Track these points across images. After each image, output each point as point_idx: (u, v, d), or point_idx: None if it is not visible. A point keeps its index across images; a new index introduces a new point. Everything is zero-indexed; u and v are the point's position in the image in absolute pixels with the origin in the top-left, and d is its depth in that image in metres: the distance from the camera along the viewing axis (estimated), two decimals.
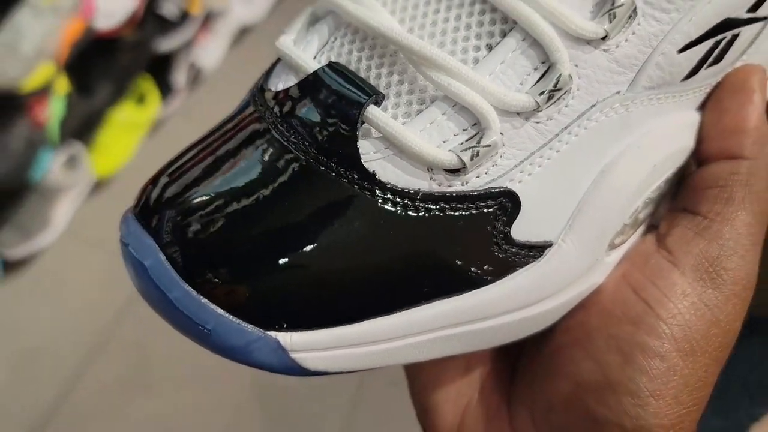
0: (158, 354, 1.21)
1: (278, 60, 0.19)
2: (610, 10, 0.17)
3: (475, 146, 0.17)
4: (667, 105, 0.20)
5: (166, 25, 1.46)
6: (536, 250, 0.18)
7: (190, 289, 0.16)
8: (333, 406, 1.25)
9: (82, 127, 1.29)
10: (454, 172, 0.17)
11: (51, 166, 1.23)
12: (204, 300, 0.16)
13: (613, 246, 0.20)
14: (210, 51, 1.76)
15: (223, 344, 0.17)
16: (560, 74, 0.17)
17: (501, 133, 0.17)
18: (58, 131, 1.19)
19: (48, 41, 1.01)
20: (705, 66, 0.20)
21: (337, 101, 0.17)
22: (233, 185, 0.16)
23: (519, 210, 0.18)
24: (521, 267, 0.18)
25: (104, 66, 1.34)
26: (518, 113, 0.17)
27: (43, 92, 1.09)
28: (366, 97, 0.16)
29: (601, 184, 0.19)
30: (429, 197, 0.17)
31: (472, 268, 0.18)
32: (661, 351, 0.18)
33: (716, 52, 0.20)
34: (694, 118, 0.21)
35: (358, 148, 0.17)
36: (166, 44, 1.46)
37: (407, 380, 0.24)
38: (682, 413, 0.18)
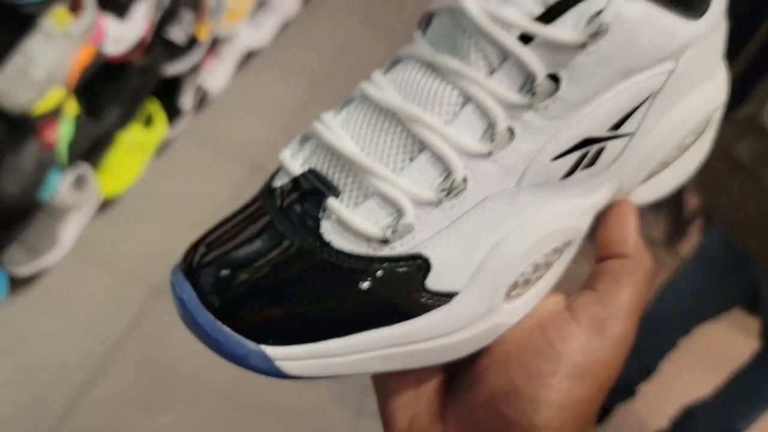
0: (161, 372, 1.23)
1: (279, 168, 0.27)
2: (492, 134, 0.25)
3: (395, 226, 0.25)
4: (549, 196, 0.27)
5: (174, 50, 1.50)
6: (446, 297, 0.26)
7: (210, 315, 0.24)
8: (338, 420, 1.27)
9: (90, 148, 1.32)
10: (383, 242, 0.25)
11: (59, 186, 1.26)
12: (219, 323, 0.24)
13: (510, 297, 0.28)
14: (216, 74, 1.80)
15: (230, 353, 0.24)
16: (455, 179, 0.25)
17: (417, 217, 0.25)
18: (67, 153, 1.22)
19: (59, 66, 1.05)
20: (579, 169, 0.28)
21: (309, 195, 0.25)
22: (244, 257, 0.25)
23: (431, 269, 0.25)
24: (435, 308, 0.26)
25: (113, 89, 1.38)
26: (428, 203, 0.25)
27: (53, 115, 1.12)
28: (328, 191, 0.25)
29: (495, 252, 0.26)
30: (368, 258, 0.25)
31: (400, 307, 0.25)
32: (556, 374, 0.26)
33: (586, 159, 0.27)
34: (574, 204, 0.29)
35: (320, 229, 0.25)
36: (173, 68, 1.50)
37: (375, 393, 0.31)
38: (567, 421, 0.25)
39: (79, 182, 1.35)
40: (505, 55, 0.25)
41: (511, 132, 0.25)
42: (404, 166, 0.25)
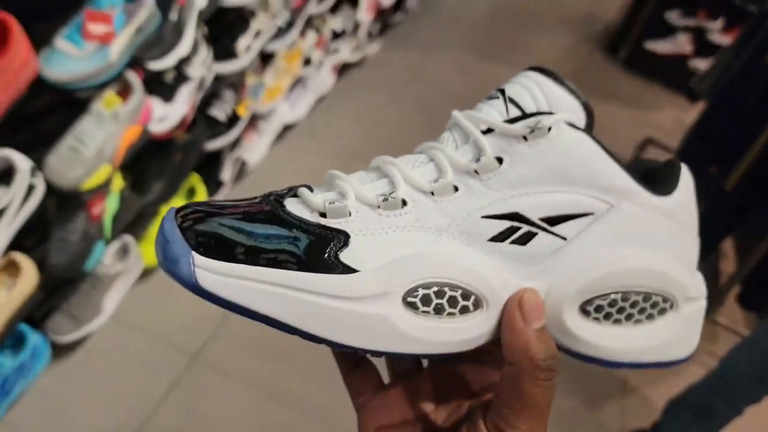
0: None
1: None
2: (437, 181, 0.33)
3: (336, 205, 0.31)
4: (474, 247, 0.33)
5: (216, 127, 1.58)
6: (350, 270, 0.31)
7: (174, 222, 0.30)
8: None
9: (134, 220, 1.39)
10: (322, 215, 0.31)
11: (103, 257, 1.32)
12: (176, 229, 0.29)
13: (407, 302, 0.32)
14: (255, 148, 1.88)
15: (168, 253, 0.29)
16: (395, 194, 0.32)
17: (356, 210, 0.32)
18: (112, 225, 1.28)
19: (107, 146, 1.12)
20: (509, 241, 0.33)
21: (293, 190, 0.33)
22: (223, 203, 0.32)
23: (348, 245, 0.31)
24: (337, 272, 0.30)
25: (157, 165, 1.45)
26: (368, 203, 0.32)
27: (101, 190, 1.19)
28: (304, 186, 0.33)
29: (406, 258, 0.32)
30: (305, 220, 0.31)
31: (312, 260, 0.30)
32: None
33: (517, 235, 0.33)
34: (496, 264, 0.33)
35: (284, 201, 0.32)
36: (214, 144, 1.58)
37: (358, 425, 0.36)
38: None
39: (123, 253, 1.41)
40: (467, 139, 0.34)
41: (455, 188, 0.33)
42: (367, 182, 0.33)
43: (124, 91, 1.16)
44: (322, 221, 0.31)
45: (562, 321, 0.35)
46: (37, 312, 1.28)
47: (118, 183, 1.28)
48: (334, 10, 2.07)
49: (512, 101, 0.34)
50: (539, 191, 0.33)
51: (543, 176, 0.33)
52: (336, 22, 2.10)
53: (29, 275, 1.09)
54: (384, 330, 0.31)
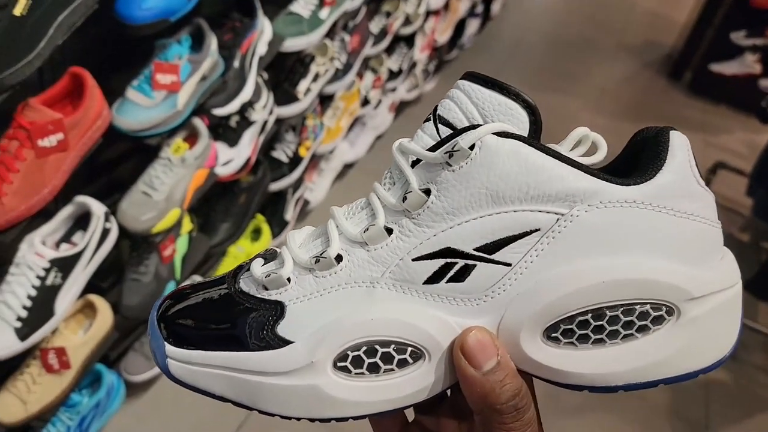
0: None
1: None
2: (367, 229, 0.32)
3: (273, 277, 0.32)
4: (410, 297, 0.32)
5: (279, 168, 1.62)
6: (285, 342, 0.31)
7: (155, 317, 0.33)
8: None
9: (202, 261, 1.43)
10: (264, 288, 0.33)
11: None
12: (155, 321, 0.33)
13: (338, 369, 0.32)
14: (317, 187, 1.91)
15: (153, 343, 0.33)
16: (328, 253, 0.32)
17: (295, 276, 0.32)
18: (181, 266, 1.32)
19: (176, 189, 1.17)
20: (445, 280, 0.31)
21: (248, 263, 0.35)
22: (191, 292, 0.35)
23: (283, 317, 0.32)
24: (272, 348, 0.31)
25: (224, 207, 1.50)
26: (303, 267, 0.32)
27: (171, 232, 1.24)
28: (261, 255, 0.35)
29: (335, 320, 0.31)
30: (250, 296, 0.33)
31: (250, 339, 0.31)
32: None
33: (452, 272, 0.31)
34: (432, 313, 0.31)
35: (240, 276, 0.34)
36: (278, 185, 1.62)
37: None
38: None
39: None
40: (401, 174, 0.32)
41: (389, 231, 0.32)
42: (307, 243, 0.34)
43: (191, 137, 1.21)
44: (264, 295, 0.32)
45: (525, 354, 0.31)
46: (111, 352, 1.33)
47: (187, 225, 1.32)
48: (390, 50, 2.12)
49: (442, 120, 0.31)
50: (471, 219, 0.30)
51: (472, 201, 0.30)
52: (392, 62, 2.14)
53: (105, 316, 1.13)
54: (318, 399, 0.31)
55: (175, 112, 1.07)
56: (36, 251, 0.95)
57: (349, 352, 0.31)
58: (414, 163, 0.31)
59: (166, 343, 0.32)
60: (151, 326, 0.33)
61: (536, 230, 0.30)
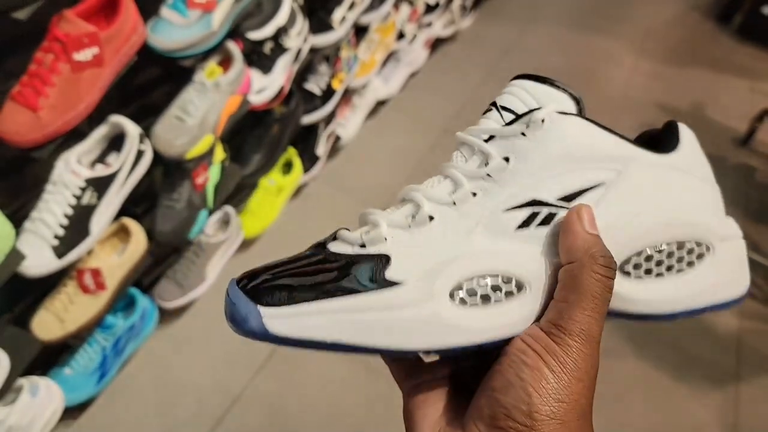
0: (290, 407, 1.26)
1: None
2: (455, 190, 0.35)
3: (372, 234, 0.35)
4: (504, 241, 0.35)
5: (311, 101, 1.59)
6: (398, 283, 0.33)
7: (238, 289, 0.33)
8: None
9: (234, 192, 1.42)
10: (362, 246, 0.34)
11: (206, 226, 1.37)
12: (240, 293, 0.33)
13: (453, 298, 0.34)
14: (349, 123, 1.88)
15: (237, 314, 0.33)
16: (421, 212, 0.35)
17: (390, 235, 0.35)
18: (214, 195, 1.32)
19: (210, 115, 1.15)
20: (535, 224, 0.35)
21: (335, 235, 0.36)
22: (277, 262, 0.35)
23: (390, 263, 0.34)
24: (388, 288, 0.33)
25: (256, 137, 1.48)
26: (399, 226, 0.35)
27: (204, 160, 1.23)
28: (343, 228, 0.36)
29: (444, 260, 0.34)
30: (348, 254, 0.34)
31: (362, 284, 0.33)
32: (538, 372, 0.31)
33: (539, 218, 0.35)
34: (529, 251, 0.35)
35: (327, 244, 0.36)
36: (310, 118, 1.59)
37: (403, 403, 0.38)
38: (554, 408, 0.30)
39: (224, 223, 1.45)
40: (473, 150, 0.37)
41: (473, 194, 0.35)
42: (394, 211, 0.36)
43: (225, 62, 1.19)
44: (363, 251, 0.34)
45: None
46: (145, 279, 1.34)
47: (220, 154, 1.31)
48: None
49: (504, 108, 0.37)
50: (549, 176, 0.35)
51: (549, 162, 0.35)
52: None
53: (139, 239, 1.13)
54: (439, 327, 0.33)
55: (209, 33, 1.04)
56: (72, 170, 0.95)
57: (463, 283, 0.34)
58: (486, 140, 0.36)
59: (259, 305, 0.32)
60: (233, 297, 0.33)
61: (602, 183, 0.35)
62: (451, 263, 0.34)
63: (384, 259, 0.34)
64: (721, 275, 0.38)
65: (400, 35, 1.94)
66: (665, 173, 0.37)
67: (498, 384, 0.32)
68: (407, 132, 2.01)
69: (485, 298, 0.34)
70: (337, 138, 1.82)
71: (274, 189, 1.58)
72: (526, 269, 0.35)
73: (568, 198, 0.35)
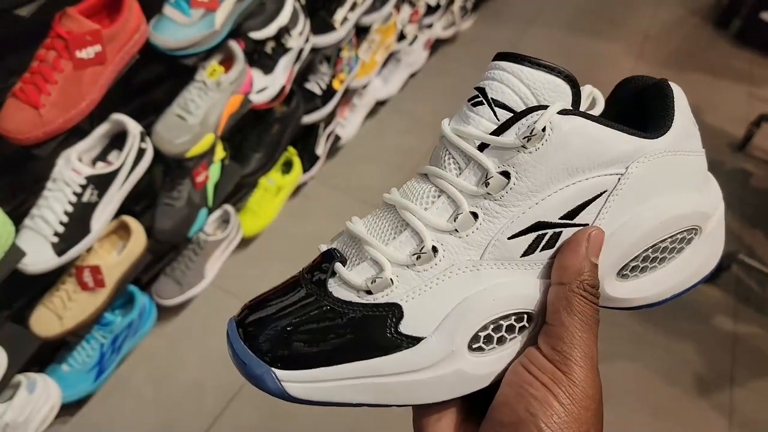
0: (287, 405, 1.26)
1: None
2: (456, 216, 0.33)
3: (378, 281, 0.33)
4: (511, 270, 0.34)
5: (312, 101, 1.59)
6: (415, 340, 0.33)
7: (243, 344, 0.33)
8: None
9: (234, 190, 1.42)
10: (368, 293, 0.33)
11: (206, 224, 1.37)
12: (248, 350, 0.32)
13: (473, 350, 0.33)
14: (348, 123, 1.89)
15: (251, 373, 0.32)
16: (424, 246, 0.33)
17: (396, 276, 0.33)
18: (214, 194, 1.32)
19: (211, 114, 1.15)
20: (539, 249, 0.34)
21: (326, 262, 0.34)
22: (272, 305, 0.34)
23: (403, 316, 0.32)
24: (405, 348, 0.32)
25: (256, 136, 1.48)
26: (403, 265, 0.33)
27: (204, 158, 1.23)
28: (338, 259, 0.34)
29: (458, 308, 0.33)
30: (355, 304, 0.33)
31: (377, 344, 0.32)
32: (548, 406, 0.30)
33: (545, 241, 0.34)
34: (531, 280, 0.34)
35: (327, 285, 0.34)
36: (311, 117, 1.59)
37: (413, 420, 0.37)
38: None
39: (223, 221, 1.45)
40: (468, 159, 0.33)
41: (474, 215, 0.33)
42: (391, 239, 0.34)
43: (227, 61, 1.19)
44: (370, 299, 0.33)
45: (605, 293, 0.36)
46: (144, 276, 1.34)
47: (220, 153, 1.31)
48: None
49: (497, 103, 0.33)
50: (552, 192, 0.33)
51: (551, 177, 0.33)
52: None
53: (139, 237, 1.14)
54: (463, 380, 0.34)
55: (212, 32, 1.04)
56: (73, 167, 0.95)
57: (480, 333, 0.33)
58: (480, 147, 0.33)
59: (273, 368, 0.32)
60: (240, 354, 0.33)
61: (604, 192, 0.34)
62: (466, 312, 0.33)
63: (396, 311, 0.33)
64: (705, 253, 0.38)
65: (401, 36, 1.94)
66: (664, 162, 0.35)
67: (507, 419, 0.31)
68: (406, 133, 2.01)
69: (501, 340, 0.34)
70: (337, 138, 1.83)
71: (274, 188, 1.58)
72: (534, 299, 0.34)
73: (572, 214, 0.34)
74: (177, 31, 1.01)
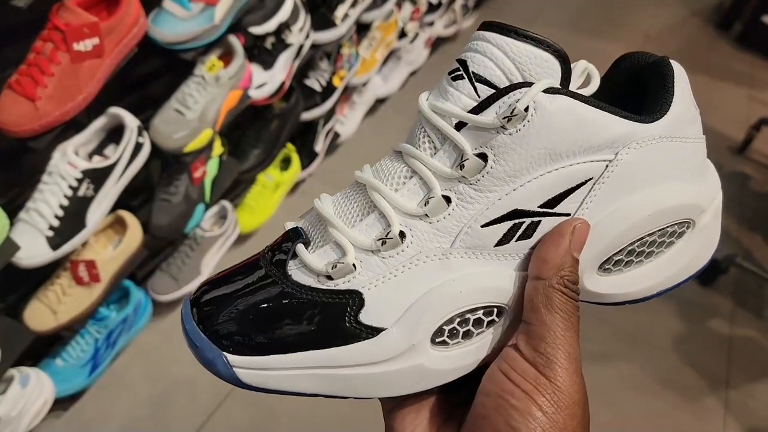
0: (280, 404, 1.26)
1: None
2: (427, 201, 0.30)
3: (339, 266, 0.30)
4: (484, 260, 0.31)
5: (311, 97, 1.59)
6: (375, 330, 0.30)
7: (195, 324, 0.31)
8: None
9: (231, 186, 1.41)
10: (329, 278, 0.31)
11: (203, 220, 1.36)
12: (199, 331, 0.31)
13: (436, 344, 0.31)
14: (348, 120, 1.88)
15: (203, 356, 0.30)
16: (390, 231, 0.30)
17: (359, 261, 0.31)
18: (211, 190, 1.31)
19: (209, 109, 1.14)
20: (515, 239, 0.31)
21: (288, 242, 0.32)
22: (228, 284, 0.32)
23: (364, 305, 0.30)
24: (363, 339, 0.30)
25: (255, 132, 1.47)
26: (368, 250, 0.31)
27: (202, 154, 1.22)
28: (300, 240, 0.32)
29: (423, 299, 0.31)
30: (314, 289, 0.31)
31: (334, 334, 0.30)
32: (530, 418, 0.28)
33: (521, 231, 0.31)
34: (508, 272, 0.32)
35: (287, 267, 0.31)
36: (310, 114, 1.58)
37: (385, 421, 0.35)
38: None
39: (220, 218, 1.44)
40: (444, 138, 0.31)
41: (447, 199, 0.30)
42: (357, 221, 0.32)
43: (226, 56, 1.18)
44: (330, 285, 0.31)
45: (584, 287, 0.34)
46: (139, 271, 1.33)
47: (218, 148, 1.30)
48: None
49: (479, 78, 0.30)
50: (532, 178, 0.30)
51: (532, 162, 0.30)
52: None
53: (135, 232, 1.13)
54: (422, 375, 0.32)
55: (211, 26, 1.04)
56: (69, 161, 0.94)
57: (444, 326, 0.31)
58: (458, 125, 0.30)
59: (225, 353, 0.30)
60: (193, 336, 0.30)
61: (590, 179, 0.31)
62: (429, 305, 0.31)
63: (357, 299, 0.30)
64: (697, 248, 0.36)
65: (402, 34, 1.93)
66: (658, 148, 0.32)
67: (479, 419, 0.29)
68: (405, 131, 1.99)
69: (467, 334, 0.32)
70: (336, 135, 1.82)
71: (272, 185, 1.57)
72: (506, 292, 0.32)
73: (552, 202, 0.31)
74: (176, 24, 1.00)
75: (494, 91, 0.30)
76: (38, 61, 0.82)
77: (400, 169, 0.32)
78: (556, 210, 0.31)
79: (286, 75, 1.35)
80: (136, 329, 1.28)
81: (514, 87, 0.29)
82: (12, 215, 0.91)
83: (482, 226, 0.31)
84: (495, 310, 0.32)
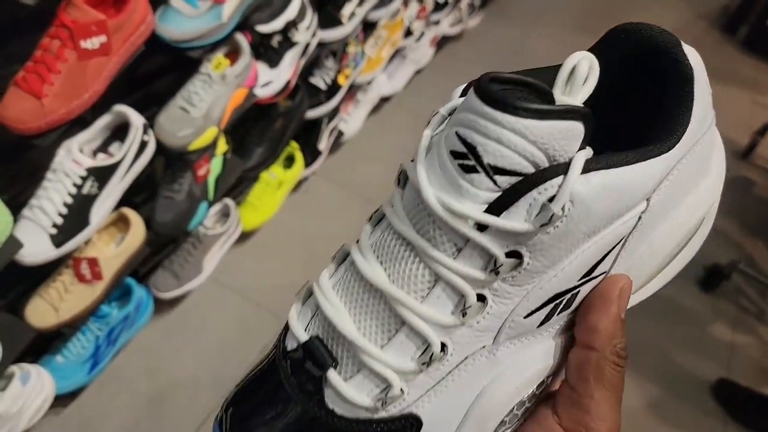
0: None
1: (287, 327, 0.31)
2: (463, 308, 0.27)
3: (385, 398, 0.28)
4: (528, 343, 0.30)
5: (316, 95, 1.58)
6: None
7: None
8: None
9: (235, 184, 1.41)
10: (378, 407, 0.28)
11: (206, 218, 1.35)
12: None
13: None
14: (352, 119, 1.87)
15: None
16: (433, 351, 0.27)
17: (404, 383, 0.28)
18: (215, 188, 1.31)
19: (215, 107, 1.14)
20: (556, 314, 0.29)
21: (313, 362, 0.28)
22: (259, 419, 0.29)
23: (422, 426, 0.28)
24: None
25: (259, 131, 1.46)
26: (411, 372, 0.28)
27: (206, 152, 1.21)
28: (328, 361, 0.28)
29: (480, 399, 0.29)
30: (366, 422, 0.28)
31: None
32: None
33: (562, 306, 0.29)
34: (549, 345, 0.30)
35: (324, 398, 0.28)
36: (314, 112, 1.58)
37: None
38: None
39: (223, 215, 1.44)
40: (466, 239, 0.26)
41: (483, 299, 0.27)
42: (386, 339, 0.28)
43: (233, 54, 1.17)
44: (384, 415, 0.28)
45: None
46: (141, 268, 1.33)
47: (222, 146, 1.30)
48: None
49: (496, 170, 0.25)
50: (569, 263, 0.28)
51: (571, 248, 0.27)
52: None
53: (138, 230, 1.12)
54: None
55: (219, 25, 1.03)
56: (73, 158, 0.93)
57: (506, 419, 0.30)
58: (481, 227, 0.26)
59: None
60: None
61: (622, 238, 0.29)
62: (491, 406, 0.29)
63: (414, 422, 0.28)
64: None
65: (408, 32, 1.92)
66: (677, 176, 0.30)
67: None
68: (409, 130, 2.00)
69: (525, 412, 0.31)
70: (340, 133, 1.81)
71: (275, 183, 1.57)
72: (553, 365, 0.31)
73: (590, 272, 0.29)
74: (183, 22, 0.99)
75: (517, 179, 0.25)
76: (45, 59, 0.82)
77: (420, 272, 0.27)
78: (594, 275, 0.29)
79: (292, 73, 1.34)
80: (138, 327, 1.28)
81: (542, 177, 0.25)
82: (15, 212, 0.90)
83: (525, 317, 0.29)
84: (543, 386, 0.31)
